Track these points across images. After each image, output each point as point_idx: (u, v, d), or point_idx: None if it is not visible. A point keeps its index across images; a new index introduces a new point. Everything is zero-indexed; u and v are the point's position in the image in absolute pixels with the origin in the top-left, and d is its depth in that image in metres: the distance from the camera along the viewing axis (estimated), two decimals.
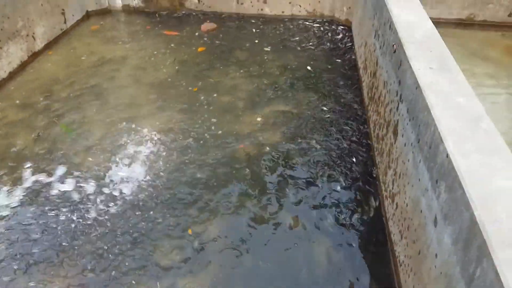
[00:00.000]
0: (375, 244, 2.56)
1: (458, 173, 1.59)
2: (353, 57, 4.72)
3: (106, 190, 2.93)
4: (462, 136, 1.77)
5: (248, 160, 3.22)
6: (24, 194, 2.90)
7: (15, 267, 2.42)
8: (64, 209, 2.79)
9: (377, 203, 2.80)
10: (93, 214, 2.75)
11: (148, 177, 3.04)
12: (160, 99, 3.96)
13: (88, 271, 2.41)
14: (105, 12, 5.81)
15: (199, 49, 4.87)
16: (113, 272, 2.40)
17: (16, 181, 3.01)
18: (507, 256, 1.29)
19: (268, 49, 4.91)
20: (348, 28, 5.38)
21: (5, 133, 3.50)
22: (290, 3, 5.55)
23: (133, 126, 3.58)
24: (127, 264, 2.44)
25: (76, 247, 2.53)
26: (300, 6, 5.56)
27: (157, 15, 5.73)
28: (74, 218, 2.72)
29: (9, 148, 3.33)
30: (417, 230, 2.00)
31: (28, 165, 3.15)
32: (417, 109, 2.15)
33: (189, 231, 2.63)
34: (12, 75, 4.30)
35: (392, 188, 2.54)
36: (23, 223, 2.69)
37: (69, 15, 5.29)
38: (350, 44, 5.02)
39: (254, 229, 2.67)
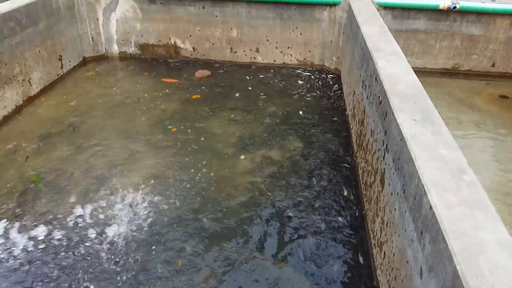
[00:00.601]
0: None
1: (441, 226, 1.62)
2: (342, 104, 4.85)
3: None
4: (445, 188, 1.81)
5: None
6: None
7: None
8: None
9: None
10: None
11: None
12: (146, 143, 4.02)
13: None
14: (102, 58, 5.97)
15: (194, 96, 4.96)
16: None
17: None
18: None
19: (262, 95, 5.04)
20: (337, 76, 5.55)
21: None
22: (281, 52, 5.75)
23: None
24: None
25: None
26: (291, 55, 5.76)
27: (154, 62, 5.90)
28: None
29: None
30: (404, 281, 2.00)
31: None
32: (402, 160, 2.20)
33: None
34: (6, 119, 4.36)
35: (380, 236, 2.55)
36: None
37: (66, 61, 5.43)
38: (339, 92, 5.16)
39: None
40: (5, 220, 3.04)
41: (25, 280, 2.59)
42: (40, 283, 2.57)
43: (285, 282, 2.61)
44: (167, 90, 5.09)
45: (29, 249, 2.80)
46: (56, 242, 2.86)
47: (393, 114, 2.43)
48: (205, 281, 2.61)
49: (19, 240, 2.88)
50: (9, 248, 2.81)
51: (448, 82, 5.46)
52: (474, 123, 4.51)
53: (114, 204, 3.21)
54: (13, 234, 2.93)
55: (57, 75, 5.24)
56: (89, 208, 3.17)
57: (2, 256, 2.75)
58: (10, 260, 2.72)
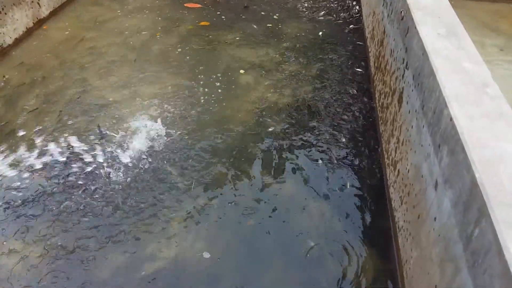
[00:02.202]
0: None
1: (461, 137, 1.58)
2: (361, 26, 4.66)
3: None
4: (467, 101, 1.75)
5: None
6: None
7: None
8: None
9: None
10: None
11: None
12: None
13: None
14: None
15: (202, 23, 4.77)
16: None
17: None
18: (506, 216, 1.29)
19: (276, 17, 4.86)
20: None
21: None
22: None
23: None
24: None
25: None
26: None
27: None
28: None
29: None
30: (417, 195, 2.01)
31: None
32: (422, 75, 2.13)
33: None
34: (17, 42, 4.29)
35: (395, 156, 2.54)
36: None
37: None
38: (358, 15, 4.94)
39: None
40: None
41: None
42: None
43: None
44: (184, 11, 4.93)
45: None
46: None
47: (415, 28, 2.31)
48: None
49: None
50: None
51: (473, 4, 5.15)
52: (498, 47, 4.32)
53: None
54: None
55: None
56: None
57: None
58: None
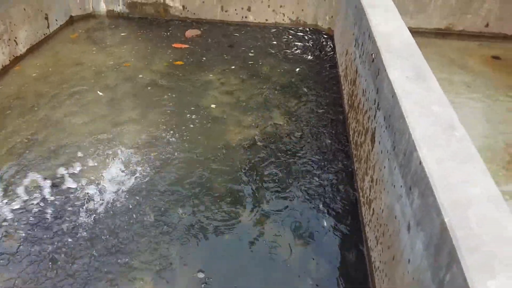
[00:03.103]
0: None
1: (430, 180, 1.63)
2: (334, 64, 4.79)
3: None
4: (436, 143, 1.81)
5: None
6: None
7: None
8: None
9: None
10: None
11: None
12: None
13: None
14: (89, 17, 5.79)
15: (175, 63, 4.75)
16: None
17: None
18: (476, 262, 1.32)
19: (251, 54, 4.96)
20: (330, 36, 5.46)
21: None
22: (273, 11, 5.61)
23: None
24: None
25: None
26: (284, 14, 5.63)
27: (142, 21, 5.75)
28: None
29: None
30: (391, 236, 2.04)
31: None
32: (393, 117, 2.20)
33: None
34: None
35: (369, 194, 2.58)
36: None
37: (52, 20, 5.26)
38: (332, 52, 5.09)
39: None
40: None
41: None
42: None
43: None
44: (149, 48, 4.99)
45: None
46: None
47: (385, 71, 2.40)
48: None
49: None
50: None
51: (441, 42, 5.40)
52: (466, 84, 4.50)
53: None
54: None
55: (44, 34, 5.09)
56: None
57: None
58: None
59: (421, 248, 1.65)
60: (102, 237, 2.61)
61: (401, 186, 1.97)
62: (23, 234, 2.61)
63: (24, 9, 4.72)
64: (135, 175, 3.09)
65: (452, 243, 1.39)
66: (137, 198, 2.90)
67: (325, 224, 2.77)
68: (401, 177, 1.98)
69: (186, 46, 5.02)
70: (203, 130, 3.64)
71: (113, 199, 2.88)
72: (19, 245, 2.54)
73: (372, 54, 2.79)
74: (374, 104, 2.64)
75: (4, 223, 2.68)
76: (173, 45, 5.03)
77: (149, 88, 4.25)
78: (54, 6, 5.28)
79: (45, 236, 2.60)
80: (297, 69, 4.69)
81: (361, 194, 2.85)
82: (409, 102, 2.09)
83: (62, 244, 2.55)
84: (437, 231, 1.52)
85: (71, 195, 2.91)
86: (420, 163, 1.72)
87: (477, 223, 1.46)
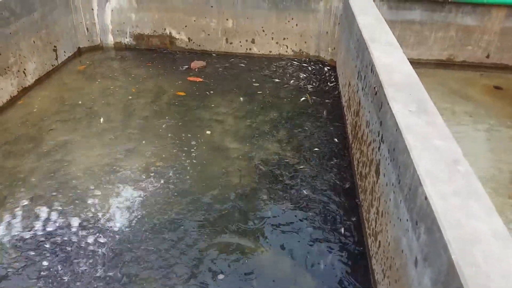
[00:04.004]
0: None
1: (436, 216, 1.64)
2: (337, 95, 4.86)
3: None
4: (440, 179, 1.83)
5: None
6: None
7: None
8: None
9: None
10: None
11: None
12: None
13: None
14: (97, 49, 5.93)
15: (178, 93, 4.82)
16: None
17: None
18: None
19: (255, 84, 5.04)
20: (333, 67, 5.55)
21: None
22: (277, 43, 5.74)
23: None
24: None
25: None
26: (287, 46, 5.75)
27: (149, 53, 5.87)
28: None
29: None
30: (398, 270, 2.03)
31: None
32: (397, 151, 2.22)
33: None
34: (0, 110, 4.33)
35: (375, 226, 2.58)
36: None
37: (61, 51, 5.39)
38: (334, 83, 5.17)
39: None
40: None
41: None
42: None
43: None
44: (159, 78, 5.08)
45: None
46: None
47: (388, 104, 2.44)
48: None
49: None
50: None
51: (443, 73, 5.48)
52: (468, 113, 4.55)
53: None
54: None
55: (52, 65, 5.21)
56: None
57: None
58: None
59: (429, 285, 1.64)
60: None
61: (407, 220, 1.97)
62: None
63: (34, 42, 4.85)
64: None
65: (460, 281, 1.39)
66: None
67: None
68: (406, 211, 1.99)
69: (201, 79, 5.04)
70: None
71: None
72: None
73: (375, 87, 2.84)
74: (378, 136, 2.67)
75: None
76: (188, 79, 5.06)
77: (148, 115, 4.32)
78: (63, 38, 5.42)
79: None
80: (301, 99, 4.76)
81: (367, 225, 2.85)
82: (412, 136, 2.12)
83: None
84: (445, 268, 1.52)
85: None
86: (426, 198, 1.74)
87: (484, 260, 1.46)
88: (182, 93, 4.78)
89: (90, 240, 2.81)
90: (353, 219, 3.07)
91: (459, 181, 1.82)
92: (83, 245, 2.78)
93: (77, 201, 3.16)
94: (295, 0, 5.39)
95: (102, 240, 2.81)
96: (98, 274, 2.57)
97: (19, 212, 3.04)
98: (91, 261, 2.66)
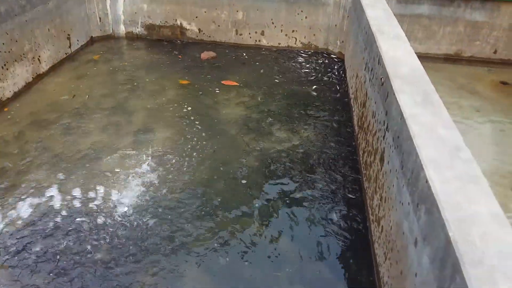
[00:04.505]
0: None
1: (436, 198, 1.73)
2: (345, 87, 4.93)
3: None
4: (442, 164, 1.91)
5: None
6: None
7: None
8: None
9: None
10: None
11: None
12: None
13: None
14: (109, 38, 6.04)
15: (181, 82, 4.91)
16: None
17: None
18: (478, 273, 1.41)
19: (265, 73, 5.13)
20: (341, 60, 5.62)
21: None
22: (286, 35, 5.81)
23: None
24: None
25: None
26: (296, 38, 5.82)
27: (160, 43, 5.98)
28: None
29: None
30: (399, 251, 2.12)
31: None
32: (401, 138, 2.31)
33: None
34: (16, 95, 4.46)
35: (378, 212, 2.67)
36: None
37: (74, 40, 5.50)
38: (342, 75, 5.24)
39: None
40: None
41: None
42: None
43: None
44: (165, 68, 5.18)
45: None
46: None
47: (394, 95, 2.52)
48: None
49: None
50: None
51: (450, 67, 5.53)
52: (475, 108, 4.60)
53: None
54: None
55: (65, 54, 5.33)
56: None
57: None
58: None
59: (428, 262, 1.73)
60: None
61: (408, 203, 2.06)
62: None
63: (48, 30, 4.96)
64: None
65: (456, 256, 1.48)
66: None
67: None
68: (409, 195, 2.08)
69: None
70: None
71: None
72: None
73: (381, 78, 2.92)
74: (384, 125, 2.75)
75: None
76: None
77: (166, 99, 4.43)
78: (76, 27, 5.53)
79: None
80: (311, 89, 4.84)
81: (370, 212, 2.94)
82: (416, 124, 2.20)
83: None
84: (442, 245, 1.61)
85: None
86: (427, 181, 1.82)
87: (480, 239, 1.55)
88: (186, 82, 4.89)
89: None
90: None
91: (459, 166, 1.91)
92: None
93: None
94: None
95: None
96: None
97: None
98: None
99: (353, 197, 3.27)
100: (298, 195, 3.27)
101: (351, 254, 2.78)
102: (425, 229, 1.81)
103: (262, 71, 5.31)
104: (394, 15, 3.93)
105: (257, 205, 3.14)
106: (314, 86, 4.96)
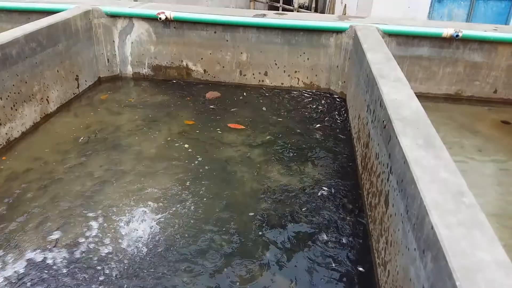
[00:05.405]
0: None
1: (441, 245, 1.74)
2: (348, 127, 5.00)
3: None
4: (446, 209, 1.93)
5: None
6: None
7: None
8: None
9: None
10: None
11: None
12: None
13: None
14: (117, 79, 6.18)
15: (186, 122, 4.99)
16: None
17: None
18: None
19: (267, 112, 5.21)
20: (343, 99, 5.72)
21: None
22: (289, 76, 5.94)
23: None
24: None
25: None
26: (298, 79, 5.95)
27: (166, 83, 6.11)
28: None
29: None
30: None
31: None
32: (405, 182, 2.33)
33: None
34: (24, 135, 4.53)
35: (384, 256, 2.65)
36: None
37: (82, 80, 5.64)
38: (345, 114, 5.32)
39: None
40: None
41: None
42: None
43: None
44: (171, 108, 5.28)
45: None
46: None
47: (397, 138, 2.57)
48: None
49: None
50: None
51: (451, 107, 5.61)
52: (476, 147, 4.64)
53: None
54: None
55: (73, 94, 5.45)
56: None
57: None
58: None
59: None
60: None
61: (415, 249, 2.06)
62: None
63: (58, 71, 5.09)
64: None
65: None
66: None
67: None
68: (414, 240, 2.08)
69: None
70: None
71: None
72: None
73: (384, 121, 2.97)
74: (387, 168, 2.78)
75: None
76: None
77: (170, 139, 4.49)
78: (85, 68, 5.68)
79: None
80: (313, 128, 4.90)
81: (376, 255, 2.92)
82: (419, 168, 2.23)
83: None
84: None
85: None
86: (432, 228, 1.84)
87: (486, 287, 1.55)
88: (191, 122, 4.96)
89: None
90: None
91: (464, 212, 1.92)
92: None
93: None
94: (307, 36, 5.61)
95: None
96: None
97: None
98: None
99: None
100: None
101: None
102: (431, 277, 1.81)
103: (265, 109, 5.40)
104: (395, 57, 4.05)
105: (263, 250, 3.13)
106: (318, 125, 5.03)
